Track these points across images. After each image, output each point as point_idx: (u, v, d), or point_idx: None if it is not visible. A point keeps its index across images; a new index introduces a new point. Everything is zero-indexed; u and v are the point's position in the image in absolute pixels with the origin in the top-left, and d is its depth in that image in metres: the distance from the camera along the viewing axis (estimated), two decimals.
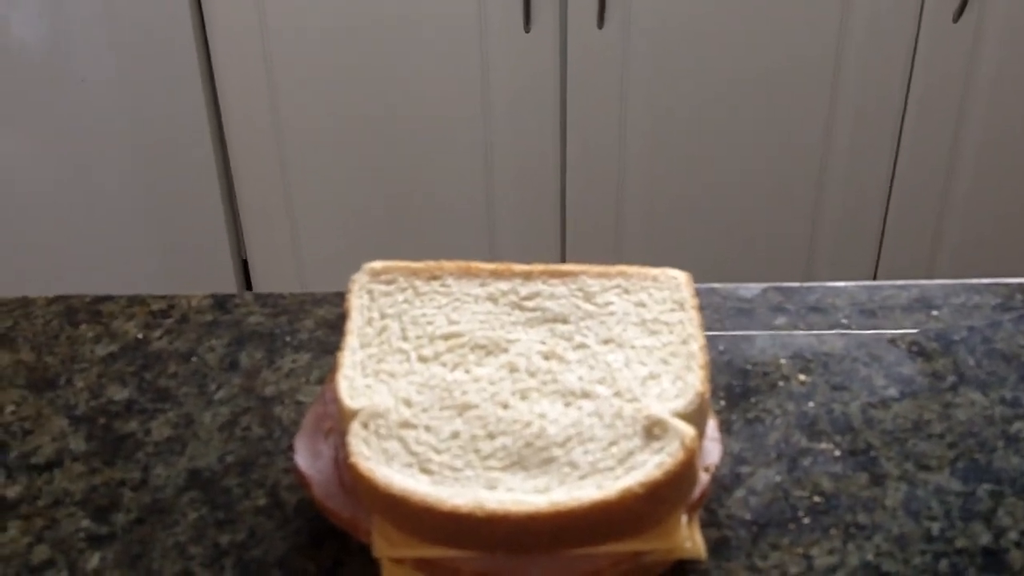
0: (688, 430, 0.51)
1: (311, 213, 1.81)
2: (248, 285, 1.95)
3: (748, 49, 1.65)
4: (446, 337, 0.58)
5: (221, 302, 0.71)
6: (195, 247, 1.88)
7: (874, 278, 1.84)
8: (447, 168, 1.76)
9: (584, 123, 1.71)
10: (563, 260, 1.83)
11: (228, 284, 1.93)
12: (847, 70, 1.66)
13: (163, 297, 0.71)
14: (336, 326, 0.68)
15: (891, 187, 1.77)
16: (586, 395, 0.54)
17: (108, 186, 1.81)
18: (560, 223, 1.80)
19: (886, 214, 1.79)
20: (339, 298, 0.67)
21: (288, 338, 0.68)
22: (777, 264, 1.83)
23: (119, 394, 0.64)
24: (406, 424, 0.53)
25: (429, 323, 0.59)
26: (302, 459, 0.56)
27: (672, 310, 0.59)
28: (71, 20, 1.67)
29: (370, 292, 0.60)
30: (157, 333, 0.68)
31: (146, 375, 0.66)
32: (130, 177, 1.80)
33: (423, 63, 1.66)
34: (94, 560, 0.55)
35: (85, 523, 0.57)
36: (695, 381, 0.54)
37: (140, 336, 0.68)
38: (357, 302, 0.60)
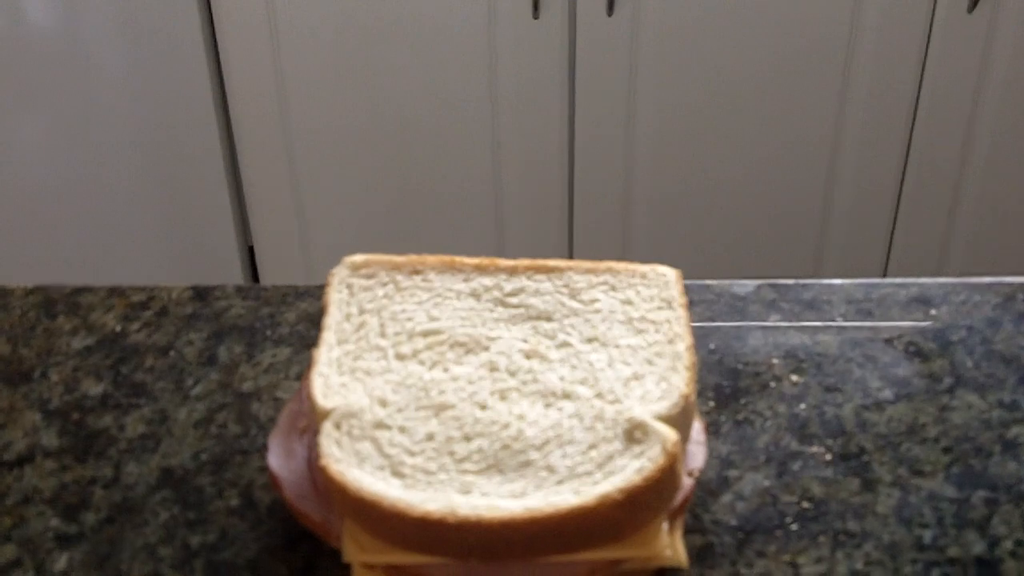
0: (670, 434, 0.50)
1: (317, 200, 1.79)
2: (254, 271, 1.94)
3: (758, 39, 1.63)
4: (425, 334, 0.56)
5: (201, 294, 0.69)
6: (201, 233, 1.87)
7: (884, 276, 1.82)
8: (454, 153, 1.74)
9: (592, 111, 1.69)
10: (570, 249, 1.81)
11: (234, 270, 1.92)
12: (859, 61, 1.64)
13: (143, 288, 0.69)
14: (318, 320, 0.66)
15: (902, 183, 1.75)
16: (567, 396, 0.53)
17: (113, 172, 1.80)
18: (568, 210, 1.78)
19: (896, 211, 1.77)
20: (322, 291, 0.66)
21: (269, 332, 0.67)
22: (786, 261, 1.81)
23: (94, 388, 0.63)
24: (380, 425, 0.52)
25: (409, 319, 0.57)
26: (275, 459, 0.54)
27: (659, 308, 0.57)
28: (81, 5, 1.66)
29: (349, 287, 0.59)
30: (135, 326, 0.67)
31: (122, 369, 0.64)
32: (136, 163, 1.79)
33: (432, 50, 1.64)
34: (62, 561, 0.54)
35: (54, 522, 0.56)
36: (680, 383, 0.53)
37: (118, 329, 0.67)
38: (336, 297, 0.58)
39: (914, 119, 1.69)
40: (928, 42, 1.63)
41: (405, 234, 1.80)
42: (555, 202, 1.77)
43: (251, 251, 1.92)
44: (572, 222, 1.79)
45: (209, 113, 1.74)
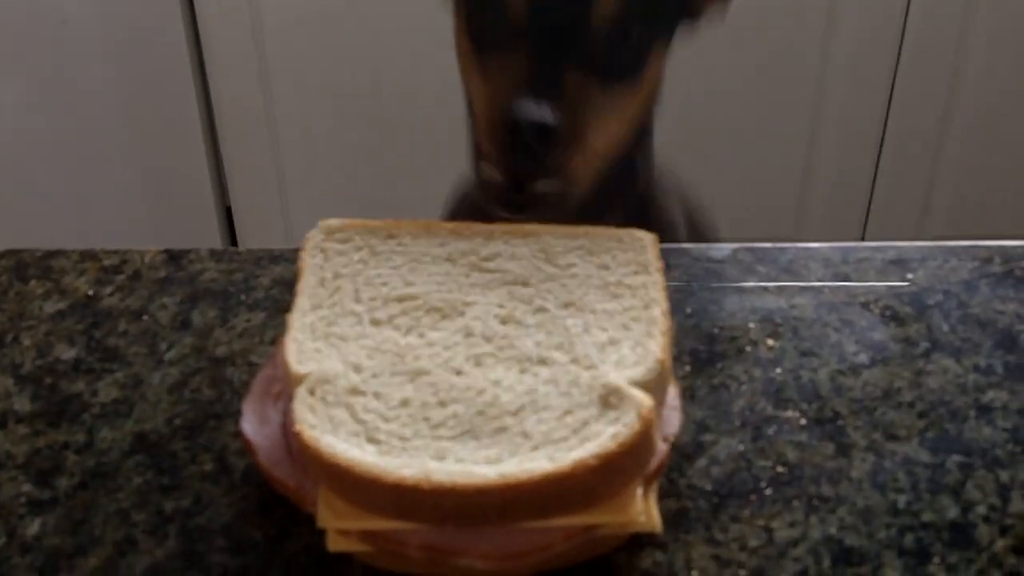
0: (645, 400, 0.50)
1: (296, 161, 1.78)
2: (232, 232, 1.93)
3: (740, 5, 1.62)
4: (401, 299, 0.56)
5: (175, 257, 0.69)
6: (179, 194, 1.86)
7: (862, 239, 1.82)
8: (435, 115, 1.73)
9: None
10: None
11: (212, 231, 1.91)
12: (841, 26, 1.63)
13: (115, 252, 0.69)
14: (293, 284, 0.65)
15: (881, 146, 1.74)
16: (542, 362, 0.52)
17: (89, 133, 1.78)
18: None
19: (875, 174, 1.77)
20: (297, 255, 0.65)
21: (243, 296, 0.66)
22: (766, 225, 1.81)
23: (67, 353, 0.62)
24: (355, 391, 0.51)
25: (384, 284, 0.57)
26: (249, 424, 0.54)
27: (636, 273, 0.57)
28: None
29: (324, 251, 0.58)
30: (108, 290, 0.66)
31: (95, 333, 0.64)
32: (113, 124, 1.78)
33: (412, 9, 1.63)
34: (34, 526, 0.54)
35: (26, 487, 0.55)
36: (655, 348, 0.52)
37: (91, 293, 0.66)
38: (310, 261, 0.58)
39: (894, 80, 1.68)
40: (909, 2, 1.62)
41: (384, 195, 1.80)
42: None
43: (229, 212, 1.91)
44: None
45: (187, 73, 1.72)
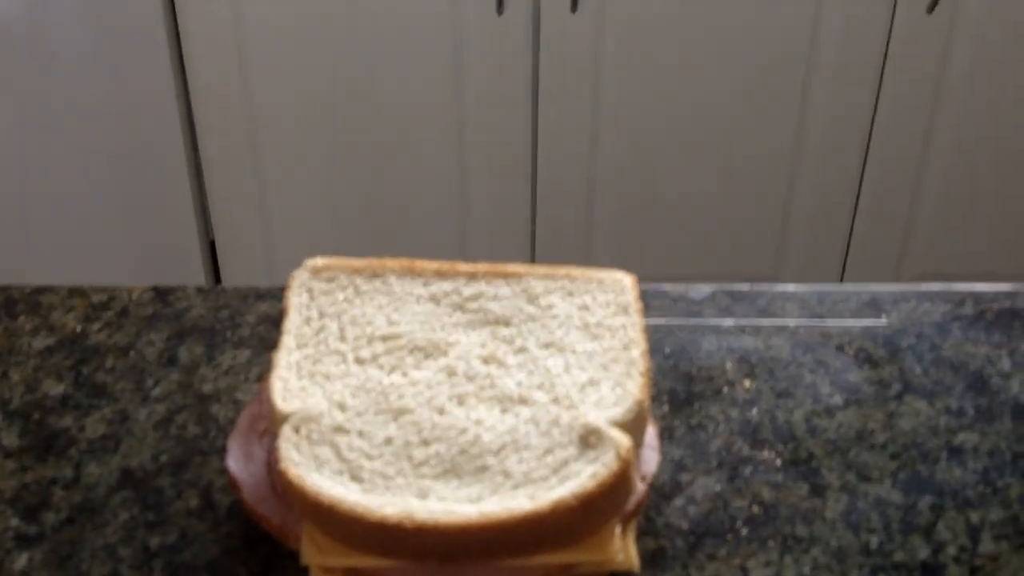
0: (624, 440, 0.51)
1: (280, 195, 1.79)
2: (215, 267, 1.93)
3: (720, 41, 1.64)
4: (385, 338, 0.57)
5: (162, 294, 0.69)
6: (162, 228, 1.87)
7: (841, 279, 1.84)
8: (418, 150, 1.74)
9: (556, 109, 1.70)
10: (533, 248, 1.82)
11: (195, 266, 1.91)
12: (821, 64, 1.65)
13: (104, 289, 0.70)
14: (279, 322, 0.66)
15: (860, 187, 1.76)
16: (524, 401, 0.53)
17: (74, 166, 1.79)
18: (531, 207, 1.79)
19: (854, 215, 1.79)
20: (282, 293, 0.66)
21: (229, 333, 0.67)
22: (746, 264, 1.82)
23: (55, 389, 0.63)
24: (339, 429, 0.52)
25: (368, 323, 0.58)
26: (234, 461, 0.55)
27: (616, 314, 0.58)
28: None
29: (310, 290, 0.59)
30: (96, 326, 0.67)
31: (83, 369, 0.64)
32: (97, 157, 1.79)
33: (396, 46, 1.64)
34: (21, 560, 0.54)
35: (14, 522, 0.56)
36: (634, 388, 0.54)
37: (79, 329, 0.67)
38: (296, 300, 0.59)
39: (873, 122, 1.70)
40: (888, 44, 1.64)
41: (368, 230, 1.81)
42: (518, 199, 1.78)
43: (213, 246, 1.91)
44: (535, 219, 1.80)
45: (172, 107, 1.73)
